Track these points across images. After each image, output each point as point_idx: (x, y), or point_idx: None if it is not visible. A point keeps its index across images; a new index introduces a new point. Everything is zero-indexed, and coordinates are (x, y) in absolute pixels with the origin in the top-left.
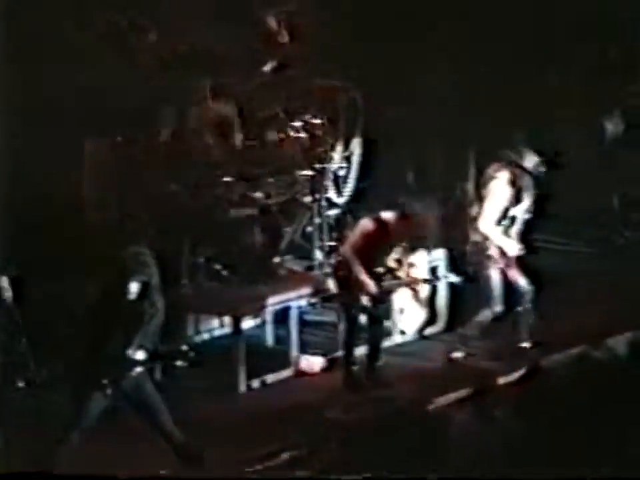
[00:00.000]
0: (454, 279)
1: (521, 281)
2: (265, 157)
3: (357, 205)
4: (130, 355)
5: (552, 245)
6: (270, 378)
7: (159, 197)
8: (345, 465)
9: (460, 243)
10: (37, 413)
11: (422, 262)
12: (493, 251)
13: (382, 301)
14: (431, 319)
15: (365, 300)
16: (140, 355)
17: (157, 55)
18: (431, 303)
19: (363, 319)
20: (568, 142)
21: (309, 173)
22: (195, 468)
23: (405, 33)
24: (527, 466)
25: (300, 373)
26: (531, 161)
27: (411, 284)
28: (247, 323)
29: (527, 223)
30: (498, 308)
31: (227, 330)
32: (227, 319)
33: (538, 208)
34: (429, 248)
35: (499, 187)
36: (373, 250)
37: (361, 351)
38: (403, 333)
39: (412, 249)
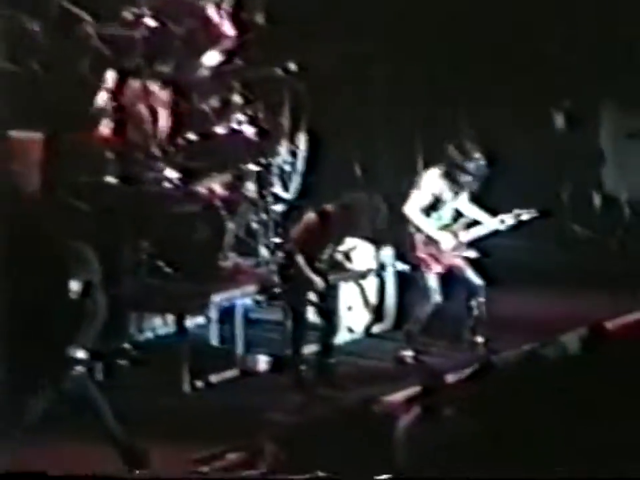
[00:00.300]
0: (401, 267)
1: (471, 275)
2: (208, 151)
3: (304, 200)
4: (71, 354)
5: (501, 239)
6: (214, 378)
7: (97, 191)
8: (291, 467)
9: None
10: None
11: (369, 256)
12: (419, 241)
13: (329, 297)
14: (379, 316)
15: (312, 296)
16: (81, 354)
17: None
18: (379, 299)
19: (311, 316)
20: (516, 135)
21: (255, 167)
22: (139, 469)
23: (351, 24)
24: (476, 466)
25: (245, 373)
26: (472, 155)
27: (358, 278)
28: (191, 322)
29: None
30: (435, 301)
31: (171, 328)
32: (170, 317)
33: (483, 202)
34: (376, 242)
35: (429, 177)
36: (318, 244)
37: (308, 349)
38: (350, 331)
39: (358, 243)
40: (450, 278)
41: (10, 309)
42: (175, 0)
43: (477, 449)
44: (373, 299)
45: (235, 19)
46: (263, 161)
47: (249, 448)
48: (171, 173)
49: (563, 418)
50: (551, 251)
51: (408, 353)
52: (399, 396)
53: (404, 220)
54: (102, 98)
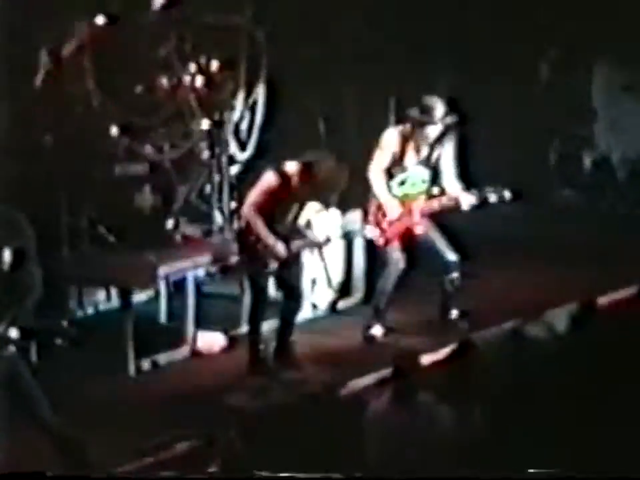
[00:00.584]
0: (371, 233)
1: (442, 248)
2: (155, 106)
3: (262, 160)
4: (1, 332)
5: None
6: (163, 358)
7: (31, 151)
8: (249, 458)
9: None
10: None
11: (334, 222)
12: (373, 206)
13: (291, 265)
14: (346, 290)
15: (273, 265)
16: (13, 333)
17: None
18: (346, 271)
19: (271, 290)
20: (498, 89)
21: (207, 123)
22: (78, 463)
23: None
24: (454, 458)
25: (197, 353)
26: (439, 111)
27: (323, 245)
28: (137, 296)
29: None
30: (397, 271)
31: (114, 304)
32: (114, 291)
33: (461, 163)
34: (342, 206)
35: (387, 136)
36: (278, 208)
37: (267, 326)
38: (314, 306)
39: (323, 206)
40: (418, 249)
41: None
42: None
43: (455, 440)
44: (339, 270)
45: None
46: (216, 116)
47: (201, 437)
48: (113, 130)
49: (551, 403)
50: (536, 218)
51: (377, 331)
52: (368, 379)
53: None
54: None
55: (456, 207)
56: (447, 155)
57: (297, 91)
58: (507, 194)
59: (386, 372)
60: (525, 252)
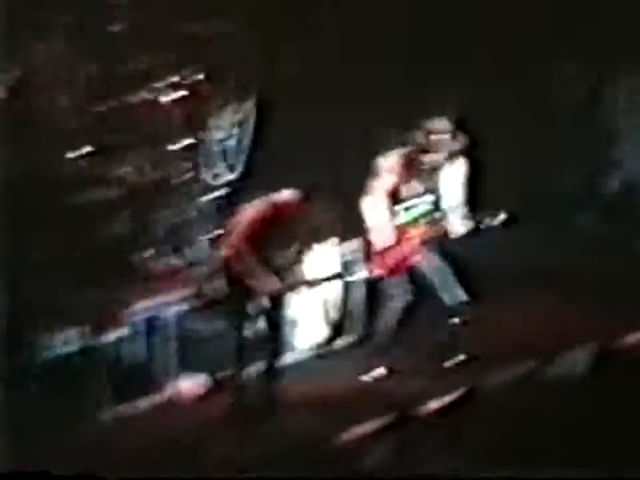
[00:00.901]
0: (364, 274)
1: (449, 282)
2: (131, 124)
3: (252, 182)
4: None
5: (490, 231)
6: (137, 404)
7: None
8: None
9: None
10: None
11: (331, 255)
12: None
13: (283, 302)
14: (340, 330)
15: (263, 301)
16: None
17: None
18: (342, 310)
19: (260, 326)
20: (510, 109)
21: (190, 142)
22: None
23: None
24: None
25: (175, 398)
26: (445, 134)
27: (319, 282)
28: (109, 335)
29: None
30: (395, 308)
31: (84, 343)
32: (83, 330)
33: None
34: (340, 239)
35: (389, 160)
36: (267, 240)
37: (254, 369)
38: (306, 346)
39: (317, 240)
40: (421, 280)
41: None
42: None
43: None
44: (334, 309)
45: None
46: (200, 134)
47: None
48: (83, 150)
49: (568, 453)
50: (551, 246)
51: (375, 374)
52: (364, 428)
53: None
54: None
55: (455, 234)
56: (452, 179)
57: (291, 109)
58: (502, 216)
59: (385, 420)
60: (538, 284)
